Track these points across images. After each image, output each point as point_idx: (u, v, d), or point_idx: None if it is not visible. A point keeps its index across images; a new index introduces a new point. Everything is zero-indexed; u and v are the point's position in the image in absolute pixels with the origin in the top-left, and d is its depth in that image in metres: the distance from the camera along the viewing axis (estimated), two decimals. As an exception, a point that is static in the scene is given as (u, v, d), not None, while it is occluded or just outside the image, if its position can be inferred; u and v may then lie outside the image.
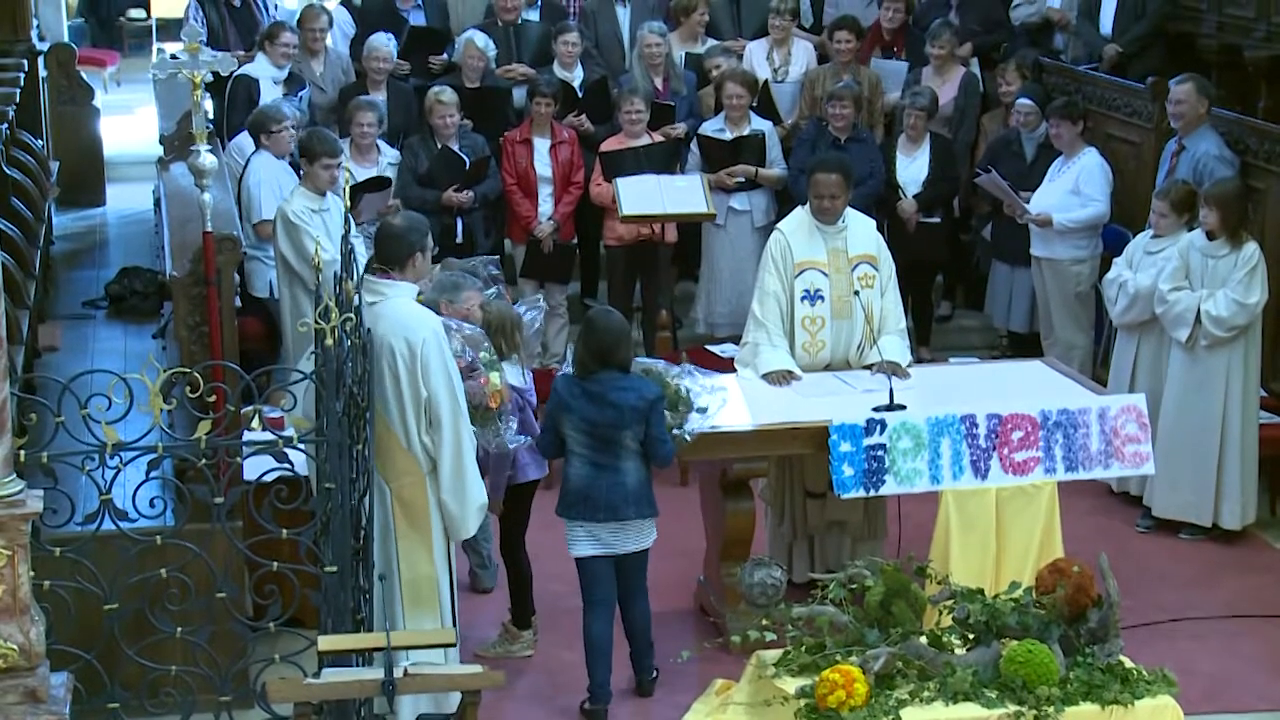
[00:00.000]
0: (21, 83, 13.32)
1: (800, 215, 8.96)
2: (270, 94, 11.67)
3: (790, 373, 8.74)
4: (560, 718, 7.99)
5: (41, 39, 15.62)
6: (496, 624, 8.64)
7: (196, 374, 6.69)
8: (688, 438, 7.99)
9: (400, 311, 7.34)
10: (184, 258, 8.54)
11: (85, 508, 6.75)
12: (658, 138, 11.78)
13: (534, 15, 12.99)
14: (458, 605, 7.83)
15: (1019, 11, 13.30)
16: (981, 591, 7.30)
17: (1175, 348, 9.68)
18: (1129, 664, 7.10)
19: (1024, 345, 11.78)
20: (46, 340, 10.54)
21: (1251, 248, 9.56)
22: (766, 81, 12.36)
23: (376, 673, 6.33)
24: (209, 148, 8.36)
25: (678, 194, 11.27)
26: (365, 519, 6.99)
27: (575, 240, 12.11)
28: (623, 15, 13.01)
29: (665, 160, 11.60)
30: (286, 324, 9.91)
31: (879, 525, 8.98)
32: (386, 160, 11.34)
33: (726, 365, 9.51)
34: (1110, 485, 10.17)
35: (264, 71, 11.88)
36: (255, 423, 6.97)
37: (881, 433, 8.20)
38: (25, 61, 13.99)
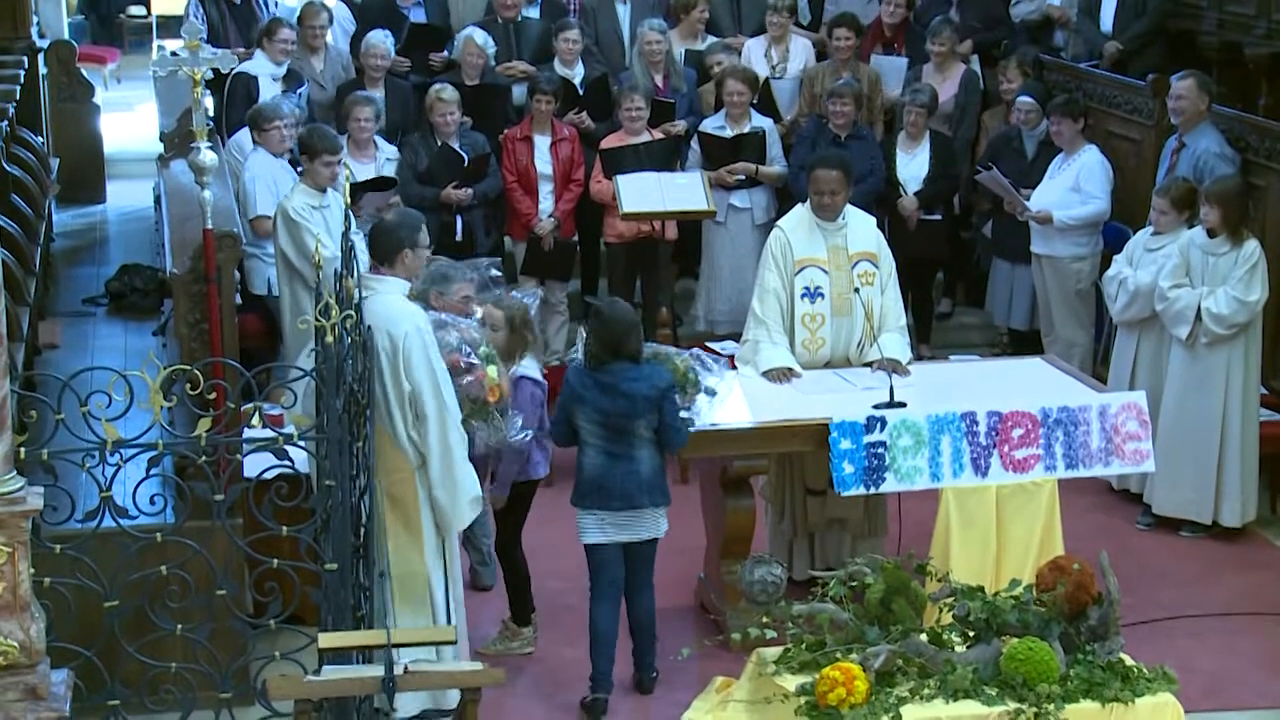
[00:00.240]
0: (22, 80, 13.32)
1: (800, 212, 8.96)
2: (269, 91, 11.66)
3: (790, 370, 8.74)
4: (561, 714, 7.99)
5: (42, 36, 15.62)
6: (497, 621, 8.64)
7: (197, 371, 6.69)
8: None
9: (386, 306, 7.33)
10: (184, 255, 8.54)
11: (85, 505, 6.75)
12: (658, 135, 11.78)
13: (534, 12, 13.00)
14: (459, 605, 7.85)
15: (1019, 9, 13.31)
16: (982, 589, 7.29)
17: (1175, 345, 9.68)
18: (1129, 661, 7.10)
19: (1024, 343, 11.77)
20: (47, 337, 10.54)
21: (1252, 245, 9.55)
22: (768, 79, 12.36)
23: (377, 670, 6.34)
24: (209, 145, 8.36)
25: (678, 191, 11.27)
26: (365, 516, 6.99)
27: (576, 238, 12.11)
28: (623, 12, 13.01)
29: (665, 157, 11.60)
30: (286, 321, 9.90)
31: (879, 523, 8.98)
32: (385, 156, 11.33)
33: (727, 362, 9.51)
34: (1110, 483, 10.17)
35: (262, 69, 11.87)
36: (255, 420, 6.97)
37: (882, 430, 8.20)
38: (25, 58, 13.98)
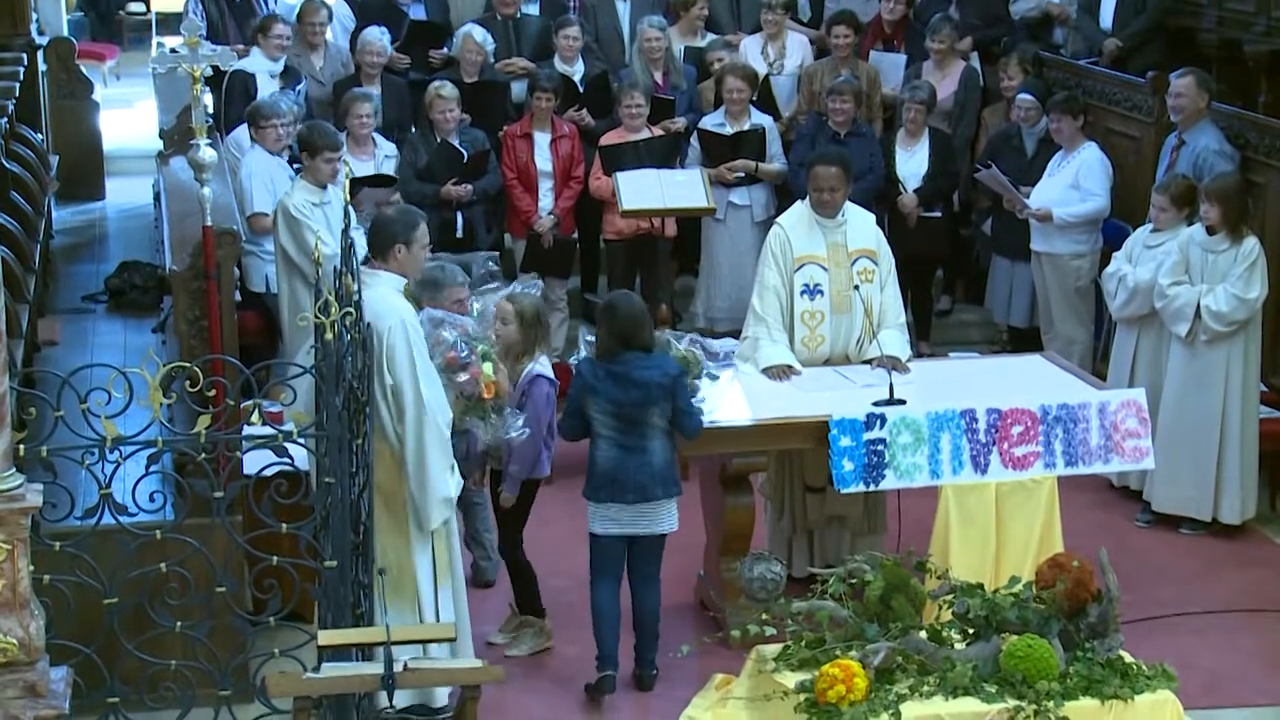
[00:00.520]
0: (21, 77, 13.33)
1: (800, 210, 8.96)
2: (267, 88, 11.66)
3: (790, 367, 8.74)
4: (562, 711, 7.98)
5: (41, 33, 15.62)
6: (499, 617, 8.65)
7: (196, 368, 6.69)
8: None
9: (374, 301, 7.32)
10: (184, 252, 8.54)
11: (85, 502, 6.75)
12: (658, 132, 11.79)
13: (534, 9, 13.00)
14: (462, 601, 7.85)
15: (1019, 6, 13.31)
16: (981, 586, 7.29)
17: (1175, 343, 9.68)
18: (1129, 659, 7.10)
19: (1024, 340, 11.77)
20: (46, 335, 10.54)
21: (1251, 242, 9.55)
22: (767, 76, 12.36)
23: (376, 668, 6.33)
24: (208, 142, 8.35)
25: (677, 188, 11.27)
26: (365, 513, 6.99)
27: (575, 235, 12.11)
28: (623, 9, 13.01)
29: (665, 155, 11.61)
30: (285, 318, 9.89)
31: (879, 520, 8.98)
32: (383, 153, 11.33)
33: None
34: (1110, 480, 10.16)
35: (259, 66, 11.87)
36: (255, 417, 6.96)
37: (881, 427, 8.20)
38: (25, 56, 13.99)
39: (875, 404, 8.30)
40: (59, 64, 15.32)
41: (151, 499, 6.82)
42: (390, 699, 6.40)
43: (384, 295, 7.42)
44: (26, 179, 12.09)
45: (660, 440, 7.88)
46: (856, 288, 8.79)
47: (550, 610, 8.60)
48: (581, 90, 12.24)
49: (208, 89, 9.26)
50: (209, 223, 8.33)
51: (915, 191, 11.84)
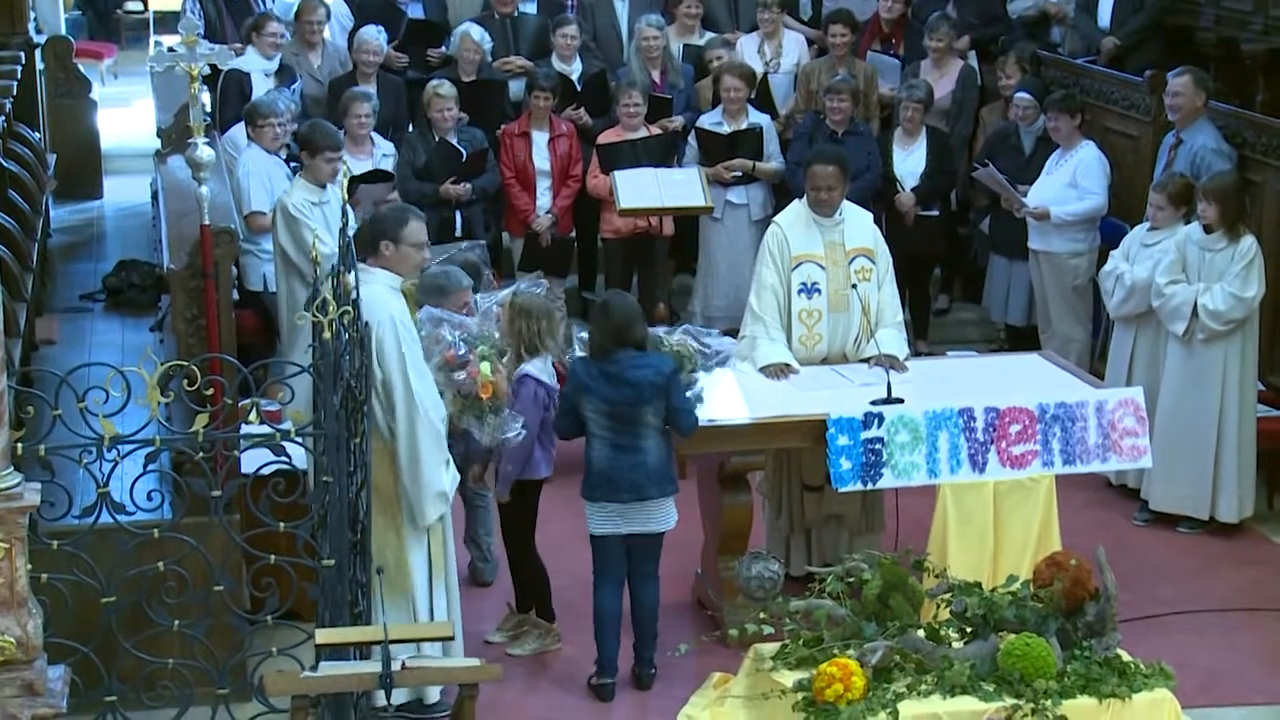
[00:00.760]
0: (19, 75, 13.31)
1: (797, 208, 8.96)
2: (261, 87, 11.66)
3: (788, 366, 8.74)
4: (561, 710, 7.98)
5: (39, 32, 15.62)
6: (497, 617, 8.64)
7: (194, 367, 6.68)
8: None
9: (366, 298, 7.30)
10: (181, 251, 8.54)
11: (82, 501, 6.74)
12: (655, 131, 11.79)
13: (532, 8, 13.01)
14: (455, 598, 7.85)
15: (1017, 5, 13.32)
16: (979, 585, 7.29)
17: (1172, 341, 9.68)
18: (1126, 657, 7.11)
19: (1022, 338, 11.78)
20: (44, 333, 10.53)
21: (1248, 241, 9.55)
22: (765, 74, 12.37)
23: (374, 666, 6.33)
24: (206, 141, 8.35)
25: (675, 187, 11.28)
26: (363, 512, 6.98)
27: (573, 234, 12.11)
28: (621, 8, 13.01)
29: (663, 153, 11.61)
30: (283, 317, 9.88)
31: (876, 519, 8.98)
32: (381, 152, 11.33)
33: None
34: (1108, 478, 10.17)
35: (254, 64, 11.85)
36: (253, 416, 6.96)
37: (879, 426, 8.20)
38: (22, 54, 13.98)
39: (873, 403, 8.30)
40: (57, 63, 15.31)
41: (149, 498, 6.82)
42: (388, 697, 6.40)
43: (376, 293, 7.39)
44: (24, 178, 12.08)
45: (655, 439, 7.88)
46: (854, 286, 8.79)
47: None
48: (579, 89, 12.24)
49: (205, 88, 9.26)
50: (207, 221, 8.32)
51: (913, 190, 11.84)
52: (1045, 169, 11.34)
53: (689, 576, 9.00)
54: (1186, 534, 9.78)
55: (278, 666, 6.80)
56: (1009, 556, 8.23)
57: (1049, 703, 6.82)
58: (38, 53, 14.90)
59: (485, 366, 7.74)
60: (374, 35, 12.05)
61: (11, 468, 6.34)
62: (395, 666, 6.29)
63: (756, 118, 11.92)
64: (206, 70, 8.38)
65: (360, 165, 10.88)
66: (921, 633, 7.13)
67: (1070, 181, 11.16)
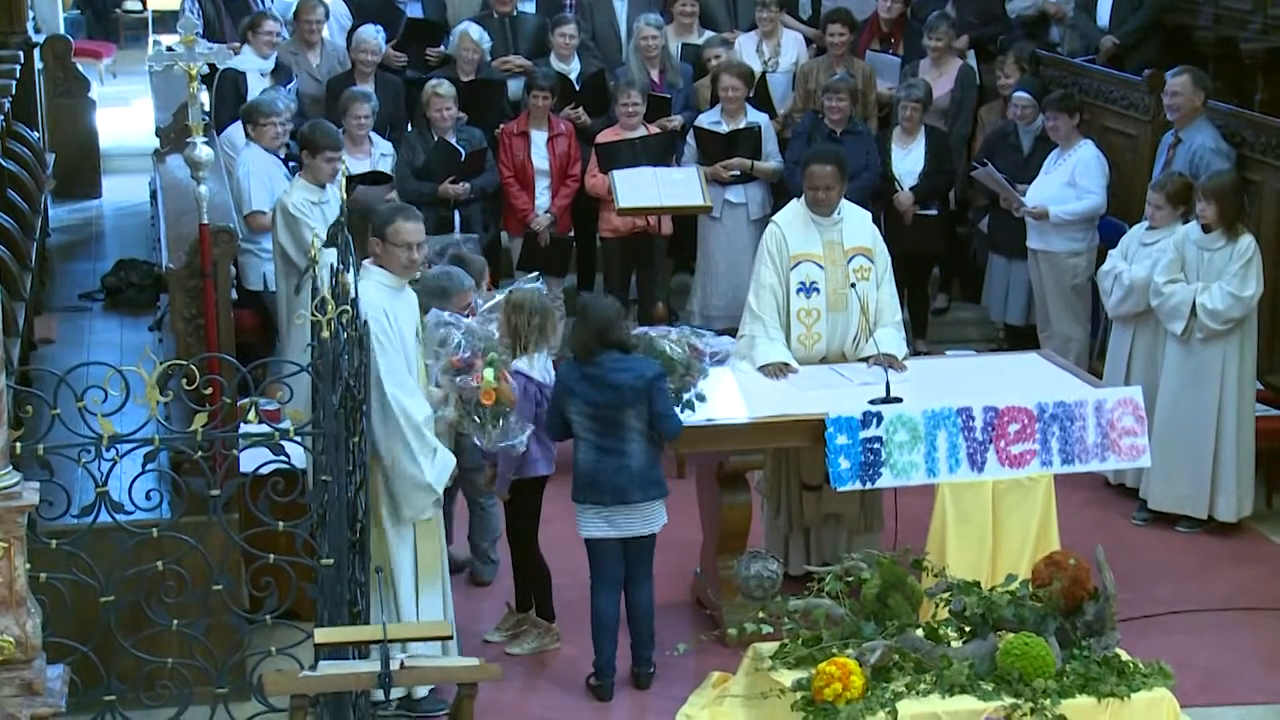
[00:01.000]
0: (17, 75, 13.30)
1: (796, 207, 8.96)
2: (257, 86, 11.65)
3: (786, 365, 8.74)
4: (560, 710, 7.98)
5: (38, 31, 15.60)
6: (496, 616, 8.64)
7: (193, 366, 6.69)
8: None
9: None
10: (180, 250, 8.54)
11: (81, 500, 6.75)
12: (654, 130, 11.78)
13: (530, 7, 13.00)
14: (450, 597, 7.85)
15: (1016, 4, 13.31)
16: (978, 584, 7.30)
17: (1171, 340, 9.68)
18: (1125, 657, 7.11)
19: (1020, 338, 11.78)
20: (43, 333, 10.52)
21: (1247, 240, 9.56)
22: (763, 74, 12.36)
23: (373, 665, 6.34)
24: (205, 140, 8.34)
25: (674, 186, 11.28)
26: (362, 511, 6.99)
27: (572, 233, 12.10)
28: (620, 7, 13.00)
29: (661, 152, 11.61)
30: (282, 316, 9.89)
31: (875, 518, 8.98)
32: (379, 151, 11.33)
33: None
34: (1106, 478, 10.17)
35: (250, 64, 11.84)
36: (251, 415, 6.97)
37: (878, 425, 8.20)
38: (21, 53, 13.96)
39: (872, 402, 8.30)
40: (55, 62, 15.30)
41: (148, 497, 6.83)
42: (387, 696, 6.40)
43: (364, 289, 7.36)
44: (23, 177, 12.08)
45: (639, 443, 7.85)
46: (853, 286, 8.80)
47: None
48: (578, 88, 12.23)
49: (203, 87, 9.25)
50: (205, 221, 8.32)
51: (912, 189, 11.84)
52: (1044, 168, 11.34)
53: (688, 576, 9.00)
54: (1185, 533, 9.78)
55: (277, 666, 6.81)
56: (1008, 556, 8.23)
57: (1048, 702, 6.82)
58: (36, 52, 14.88)
59: (489, 373, 7.72)
60: (373, 34, 12.04)
61: (10, 467, 6.34)
62: (394, 666, 6.29)
63: (755, 117, 11.92)
64: (205, 70, 8.37)
65: (358, 165, 10.88)
66: (920, 632, 7.13)
67: (1069, 181, 11.16)
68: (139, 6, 24.13)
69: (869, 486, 8.31)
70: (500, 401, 7.76)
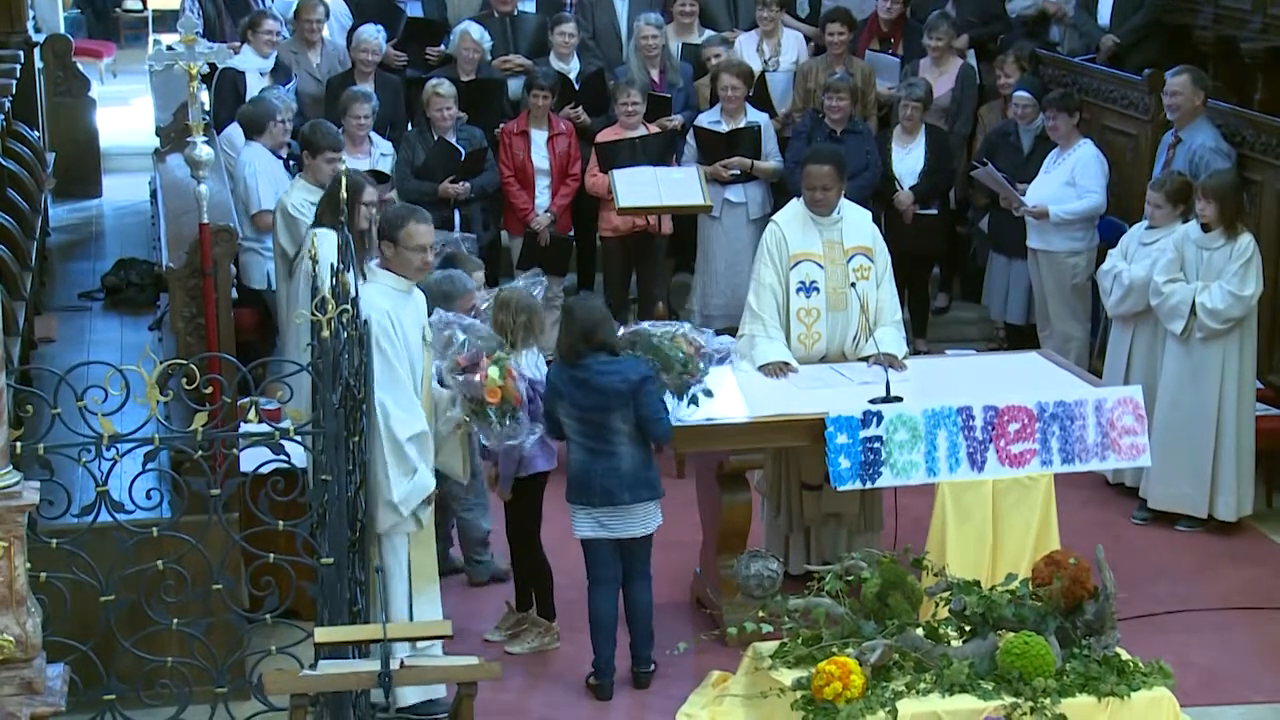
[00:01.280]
0: (18, 74, 13.31)
1: (796, 207, 8.96)
2: (256, 86, 11.65)
3: (786, 364, 8.75)
4: (559, 709, 7.98)
5: (38, 30, 15.61)
6: (493, 617, 8.65)
7: (193, 366, 6.69)
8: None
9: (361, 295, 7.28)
10: (180, 249, 8.54)
11: (81, 499, 6.75)
12: (654, 129, 11.78)
13: (530, 7, 13.00)
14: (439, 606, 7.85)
15: (1016, 3, 13.30)
16: (978, 583, 7.30)
17: (1170, 340, 9.68)
18: (1125, 656, 7.11)
19: (1020, 337, 11.78)
20: (43, 332, 10.53)
21: (1246, 240, 9.56)
22: (763, 73, 12.37)
23: (373, 665, 6.34)
24: (205, 139, 8.34)
25: (674, 186, 11.28)
26: (362, 511, 6.99)
27: (572, 232, 12.10)
28: (620, 7, 13.00)
29: (661, 152, 11.61)
30: (283, 316, 9.89)
31: (875, 517, 8.98)
32: (379, 151, 11.33)
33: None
34: (1106, 477, 10.17)
35: (250, 63, 11.84)
36: (252, 415, 6.97)
37: (878, 425, 8.20)
38: (21, 53, 13.97)
39: (872, 401, 8.30)
40: (56, 61, 15.31)
41: (148, 496, 6.83)
42: (387, 696, 6.40)
43: (367, 293, 7.35)
44: (23, 176, 12.08)
45: (628, 445, 7.83)
46: (853, 285, 8.80)
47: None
48: (578, 88, 12.24)
49: (203, 86, 9.26)
50: (205, 220, 8.32)
51: (912, 189, 11.84)
52: (1044, 167, 11.34)
53: (688, 575, 9.00)
54: (1185, 532, 9.78)
55: (277, 665, 6.81)
56: (1008, 555, 8.23)
57: (1048, 701, 6.83)
58: (37, 51, 14.89)
59: (494, 371, 7.71)
60: (373, 34, 12.04)
61: (10, 466, 6.34)
62: (394, 665, 6.29)
63: (755, 116, 11.92)
64: (205, 69, 8.37)
65: (358, 165, 10.85)
66: (920, 631, 7.14)
67: (1069, 180, 11.17)
68: (139, 6, 24.14)
69: (869, 486, 8.31)
70: (505, 399, 7.75)
